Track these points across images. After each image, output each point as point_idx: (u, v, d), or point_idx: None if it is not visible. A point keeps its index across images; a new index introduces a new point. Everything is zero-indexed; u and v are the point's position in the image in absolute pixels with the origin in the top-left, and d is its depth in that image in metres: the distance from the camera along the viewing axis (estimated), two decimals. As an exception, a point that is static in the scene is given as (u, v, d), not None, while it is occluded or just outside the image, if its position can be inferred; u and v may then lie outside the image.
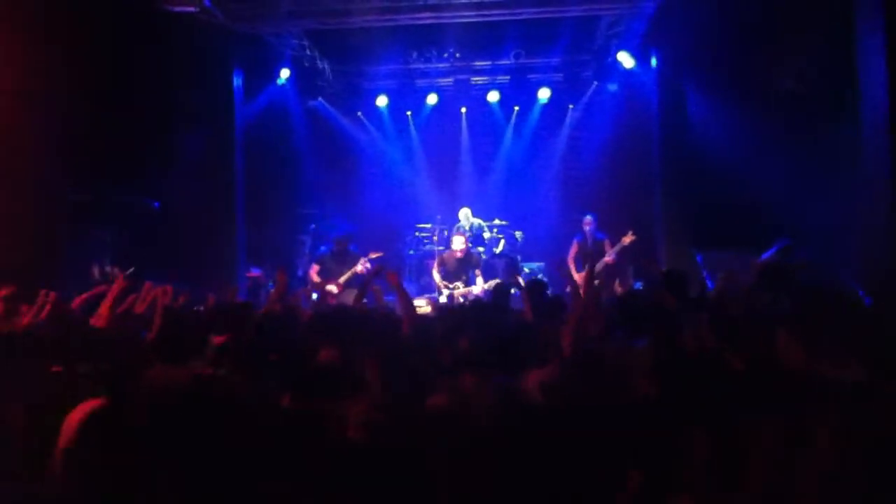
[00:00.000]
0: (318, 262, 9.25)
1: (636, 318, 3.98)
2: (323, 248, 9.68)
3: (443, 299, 9.02)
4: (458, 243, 9.12)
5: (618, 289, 9.00)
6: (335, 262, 9.07)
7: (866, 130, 5.89)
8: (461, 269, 9.07)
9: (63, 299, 4.72)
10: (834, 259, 6.45)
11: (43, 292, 4.69)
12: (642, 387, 2.68)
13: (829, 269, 6.13)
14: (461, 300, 8.82)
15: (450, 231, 10.49)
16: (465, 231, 10.01)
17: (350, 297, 8.66)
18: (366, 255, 8.99)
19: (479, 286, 8.82)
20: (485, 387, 3.03)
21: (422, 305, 9.32)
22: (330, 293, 8.84)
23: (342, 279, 8.89)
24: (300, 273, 11.15)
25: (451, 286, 9.03)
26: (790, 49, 8.13)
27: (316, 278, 9.08)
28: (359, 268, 8.89)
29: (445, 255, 9.35)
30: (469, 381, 3.09)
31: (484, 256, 10.86)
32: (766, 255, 6.58)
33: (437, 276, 9.19)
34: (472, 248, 10.27)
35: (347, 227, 9.76)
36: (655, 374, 2.70)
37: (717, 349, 2.89)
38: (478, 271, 9.03)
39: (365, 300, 5.28)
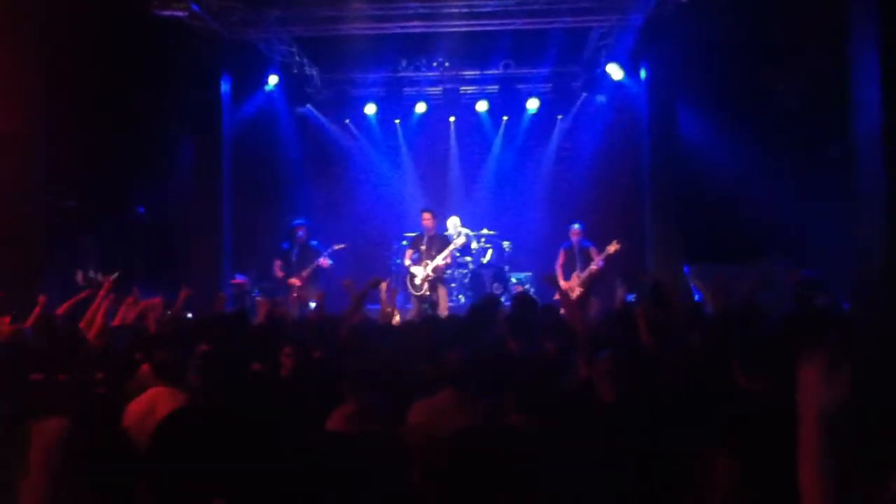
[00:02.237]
0: (280, 258, 9.43)
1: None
2: (284, 244, 9.71)
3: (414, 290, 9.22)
4: (428, 220, 9.25)
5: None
6: (297, 257, 9.29)
7: (861, 148, 5.92)
8: (432, 248, 9.16)
9: (48, 305, 4.63)
10: (825, 272, 6.49)
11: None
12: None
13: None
14: (431, 275, 9.02)
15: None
16: (452, 238, 9.97)
17: (311, 292, 8.88)
18: (328, 249, 9.25)
19: (439, 259, 9.04)
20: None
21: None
22: (293, 286, 9.08)
23: (304, 273, 9.07)
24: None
25: (421, 265, 9.15)
26: (785, 66, 8.19)
27: (280, 273, 9.31)
28: (322, 262, 9.15)
29: (417, 237, 9.46)
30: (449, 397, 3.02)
31: (471, 266, 10.85)
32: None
33: (408, 262, 9.38)
34: (458, 256, 10.30)
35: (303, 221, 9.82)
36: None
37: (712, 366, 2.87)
38: (446, 252, 9.14)
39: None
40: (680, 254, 9.26)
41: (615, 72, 10.58)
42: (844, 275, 6.93)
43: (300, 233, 9.48)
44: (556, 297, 6.19)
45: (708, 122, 9.39)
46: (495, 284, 10.47)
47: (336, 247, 9.28)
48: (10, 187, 7.23)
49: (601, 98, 11.76)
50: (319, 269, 9.23)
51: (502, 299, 8.93)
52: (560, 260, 9.54)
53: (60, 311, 4.89)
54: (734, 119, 8.86)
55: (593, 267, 9.13)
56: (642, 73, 10.10)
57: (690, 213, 9.23)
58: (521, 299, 5.50)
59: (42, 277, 7.19)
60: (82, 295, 5.05)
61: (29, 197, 7.63)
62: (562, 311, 4.93)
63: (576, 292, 8.97)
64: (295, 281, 9.15)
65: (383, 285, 6.08)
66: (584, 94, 11.93)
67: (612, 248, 9.02)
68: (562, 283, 9.35)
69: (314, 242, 9.52)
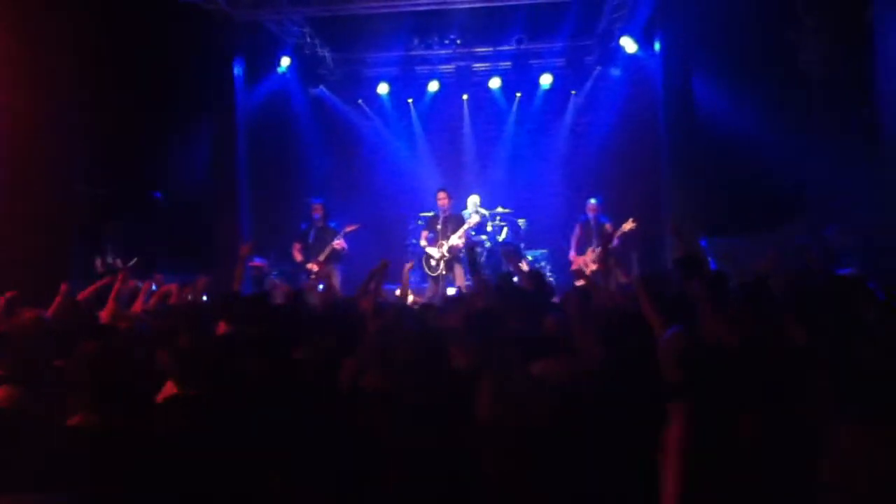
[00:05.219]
0: (298, 241, 9.35)
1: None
2: (303, 224, 9.63)
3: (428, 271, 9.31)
4: (443, 199, 9.26)
5: (622, 278, 8.93)
6: (315, 240, 9.19)
7: (886, 111, 5.79)
8: (447, 228, 9.21)
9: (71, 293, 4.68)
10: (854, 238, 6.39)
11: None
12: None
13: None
14: (447, 255, 9.09)
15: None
16: (467, 217, 9.93)
17: (330, 274, 8.85)
18: (342, 230, 9.11)
19: (457, 237, 9.10)
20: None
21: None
22: (311, 271, 9.00)
23: (322, 257, 8.98)
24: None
25: (437, 245, 9.22)
26: (801, 29, 8.03)
27: (298, 256, 9.23)
28: (336, 244, 9.02)
29: (432, 217, 9.51)
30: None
31: (488, 244, 10.82)
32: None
33: (423, 243, 9.42)
34: (474, 235, 10.28)
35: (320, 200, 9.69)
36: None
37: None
38: (460, 232, 9.16)
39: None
40: (699, 227, 9.18)
41: (629, 45, 10.46)
42: (873, 240, 6.84)
43: (316, 213, 9.36)
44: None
45: (725, 92, 9.26)
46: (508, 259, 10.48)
47: (348, 228, 9.10)
48: (33, 176, 7.29)
49: (616, 71, 11.63)
50: (336, 252, 9.12)
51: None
52: (576, 233, 9.52)
53: (81, 297, 4.94)
54: (751, 88, 8.73)
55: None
56: (657, 45, 9.97)
57: (709, 185, 9.13)
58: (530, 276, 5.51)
59: (68, 266, 7.27)
60: (102, 282, 5.10)
61: (52, 186, 7.69)
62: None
63: (590, 268, 8.97)
64: (313, 266, 9.09)
65: (407, 266, 6.09)
66: (599, 68, 11.80)
67: (628, 226, 8.97)
68: (576, 258, 9.37)
69: (332, 224, 9.42)
